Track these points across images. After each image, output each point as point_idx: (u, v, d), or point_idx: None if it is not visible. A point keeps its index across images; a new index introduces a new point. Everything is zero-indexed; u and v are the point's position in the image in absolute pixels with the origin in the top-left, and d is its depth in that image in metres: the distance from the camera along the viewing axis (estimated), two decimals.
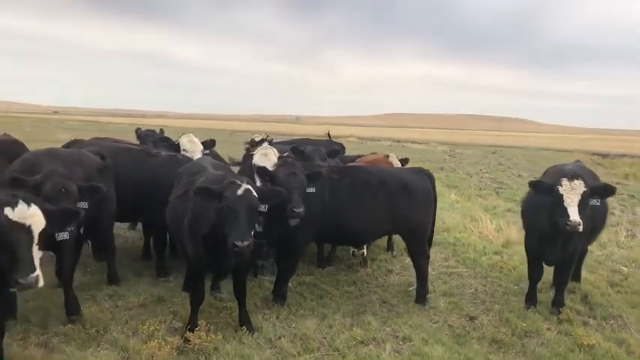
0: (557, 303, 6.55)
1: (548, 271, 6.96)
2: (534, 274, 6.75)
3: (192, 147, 8.07)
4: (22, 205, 3.82)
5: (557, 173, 6.25)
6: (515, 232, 10.10)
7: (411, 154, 10.08)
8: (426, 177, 7.08)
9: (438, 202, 7.22)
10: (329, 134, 13.59)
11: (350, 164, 8.82)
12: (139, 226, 9.30)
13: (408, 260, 8.47)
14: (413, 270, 7.21)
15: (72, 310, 5.58)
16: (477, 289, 7.42)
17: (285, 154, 7.39)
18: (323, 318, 6.03)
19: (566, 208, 5.68)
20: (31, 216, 3.84)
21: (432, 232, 7.29)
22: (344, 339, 5.47)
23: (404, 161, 9.31)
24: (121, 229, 9.17)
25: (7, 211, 3.77)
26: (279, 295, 6.46)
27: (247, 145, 8.94)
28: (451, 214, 12.34)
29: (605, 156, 42.30)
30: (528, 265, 6.85)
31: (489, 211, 13.35)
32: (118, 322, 5.62)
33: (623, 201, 16.14)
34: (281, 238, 6.26)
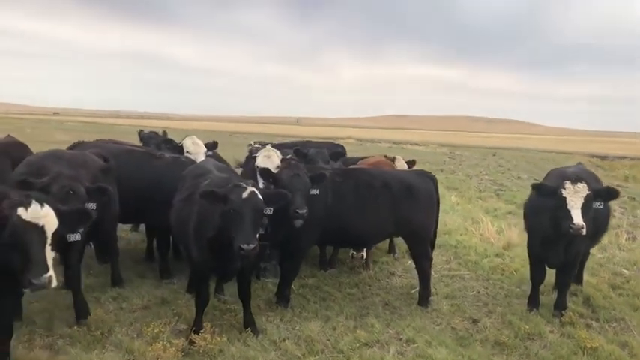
0: (560, 305, 6.57)
1: (550, 274, 6.99)
2: (537, 277, 6.77)
3: (196, 149, 8.10)
4: (35, 206, 3.83)
5: (560, 176, 6.28)
6: (517, 234, 10.14)
7: (411, 156, 10.09)
8: (428, 179, 7.11)
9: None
10: None
11: (352, 166, 8.84)
12: (142, 227, 9.34)
13: (410, 262, 8.50)
14: (415, 272, 7.23)
15: (81, 314, 5.60)
16: (478, 292, 7.45)
17: (287, 157, 7.43)
18: (326, 320, 6.05)
19: (569, 211, 5.71)
20: (45, 216, 3.85)
21: (435, 234, 7.32)
22: (348, 341, 5.49)
23: (411, 163, 9.34)
24: (123, 230, 9.17)
25: (21, 211, 3.77)
26: (282, 297, 6.48)
27: (250, 148, 8.97)
28: (452, 216, 12.38)
29: (604, 158, 42.39)
30: (530, 268, 6.88)
31: (490, 214, 13.40)
32: (122, 324, 5.63)
33: (623, 203, 16.18)
34: (284, 240, 6.28)
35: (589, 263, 8.24)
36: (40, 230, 3.81)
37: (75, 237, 4.56)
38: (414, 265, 7.14)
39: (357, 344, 5.45)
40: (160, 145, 9.09)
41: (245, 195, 4.78)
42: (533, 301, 6.76)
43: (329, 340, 5.54)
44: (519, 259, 8.73)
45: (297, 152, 8.06)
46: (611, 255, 9.70)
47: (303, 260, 6.89)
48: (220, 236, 4.93)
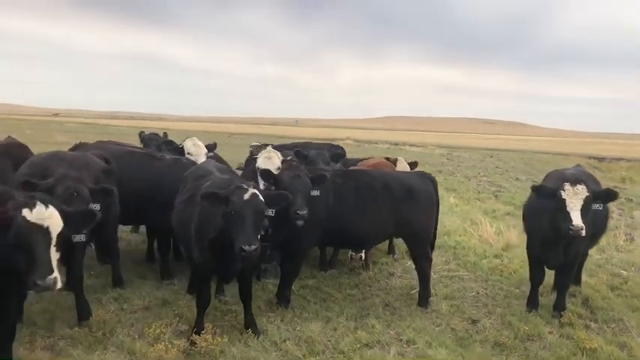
0: (559, 306, 6.60)
1: (549, 275, 7.03)
2: (536, 278, 6.80)
3: (197, 150, 8.12)
4: (40, 207, 3.81)
5: (560, 178, 6.31)
6: (515, 235, 10.17)
7: (409, 157, 10.13)
8: (428, 181, 7.13)
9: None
10: None
11: (352, 168, 8.87)
12: (142, 229, 9.35)
13: (410, 263, 8.53)
14: (414, 273, 7.25)
15: (83, 315, 5.62)
16: (478, 293, 7.47)
17: (288, 158, 7.45)
18: (327, 321, 6.07)
19: (568, 213, 5.74)
20: (49, 217, 3.83)
21: (435, 235, 7.35)
22: (349, 342, 5.51)
23: (413, 164, 9.37)
24: (123, 231, 9.17)
25: (25, 212, 3.76)
26: (283, 298, 6.50)
27: (251, 149, 8.99)
28: (451, 217, 12.41)
29: (601, 159, 42.48)
30: (530, 269, 6.91)
31: (489, 215, 13.43)
32: (123, 325, 5.65)
33: (620, 205, 16.24)
34: (285, 241, 6.30)
35: (587, 264, 8.27)
36: (45, 231, 3.79)
37: (80, 238, 4.55)
38: (414, 266, 7.16)
39: (358, 345, 5.48)
40: (160, 146, 9.11)
41: (247, 196, 4.79)
42: (533, 302, 6.79)
43: (330, 341, 5.56)
44: (518, 260, 8.77)
45: (298, 153, 8.08)
46: (609, 256, 9.75)
47: (303, 261, 6.90)
48: (222, 237, 4.95)
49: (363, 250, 8.24)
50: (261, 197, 4.90)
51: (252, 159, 8.19)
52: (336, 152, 9.05)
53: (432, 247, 7.30)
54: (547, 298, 7.16)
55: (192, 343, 5.15)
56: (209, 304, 5.56)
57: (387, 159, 9.60)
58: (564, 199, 5.79)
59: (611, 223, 11.01)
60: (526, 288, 7.26)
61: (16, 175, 5.75)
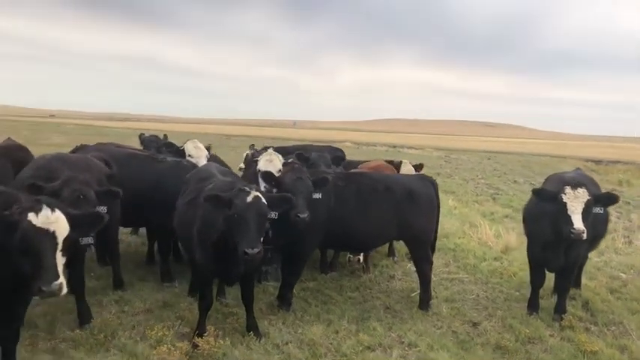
0: (560, 310, 6.62)
1: (549, 278, 7.04)
2: (536, 281, 6.82)
3: (198, 152, 8.11)
4: (46, 211, 3.74)
5: (561, 181, 6.33)
6: (514, 238, 10.21)
7: (408, 160, 10.14)
8: (429, 184, 7.14)
9: None
10: None
11: (353, 170, 8.87)
12: (142, 231, 9.34)
13: (410, 266, 8.55)
14: (415, 275, 7.26)
15: (84, 318, 5.62)
16: (478, 295, 7.49)
17: (289, 160, 7.46)
18: (329, 324, 6.08)
19: (570, 216, 5.76)
20: (55, 221, 3.76)
21: (435, 238, 7.36)
22: (351, 345, 5.52)
23: (418, 167, 9.35)
24: (123, 233, 9.16)
25: (31, 216, 3.69)
26: (284, 300, 6.50)
27: (252, 151, 8.99)
28: (450, 219, 12.42)
29: (598, 162, 42.52)
30: (530, 272, 6.93)
31: (487, 217, 13.46)
32: (125, 327, 5.64)
33: (619, 207, 16.24)
34: (286, 243, 6.31)
35: (587, 267, 8.30)
36: (51, 236, 3.71)
37: (87, 240, 4.52)
38: (415, 269, 7.17)
39: (360, 348, 5.49)
40: (160, 148, 9.11)
41: (250, 199, 4.80)
42: (533, 305, 6.80)
43: (332, 343, 5.57)
44: (518, 263, 8.80)
45: (300, 156, 8.09)
46: (608, 259, 9.78)
47: (305, 264, 6.91)
48: (224, 240, 4.95)
49: (361, 253, 8.25)
50: (264, 200, 4.90)
51: (252, 161, 8.19)
52: (336, 155, 9.06)
53: (433, 250, 7.31)
54: (547, 300, 7.18)
55: (195, 346, 5.14)
56: (211, 307, 5.55)
57: (391, 162, 9.58)
58: (565, 203, 5.81)
59: (609, 226, 11.06)
60: (526, 291, 7.29)
61: (19, 177, 5.73)
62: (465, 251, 9.68)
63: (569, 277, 6.70)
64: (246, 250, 4.62)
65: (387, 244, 9.11)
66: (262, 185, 6.44)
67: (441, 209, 7.48)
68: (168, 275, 7.21)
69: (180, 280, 7.19)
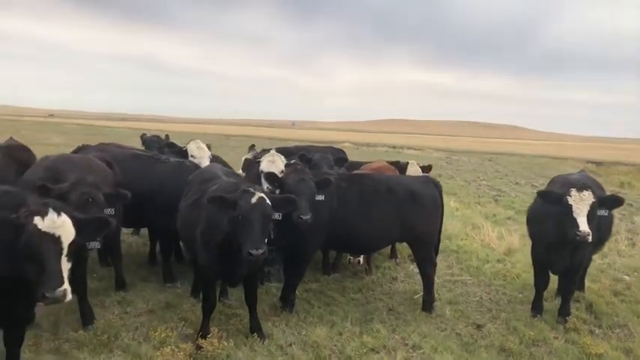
0: (564, 312, 6.59)
1: (553, 280, 7.02)
2: (540, 283, 6.80)
3: (200, 153, 8.07)
4: (52, 215, 3.66)
5: (565, 183, 6.32)
6: (517, 240, 10.20)
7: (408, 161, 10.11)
8: (432, 185, 7.12)
9: None
10: None
11: (356, 172, 8.84)
12: (143, 231, 9.32)
13: (412, 267, 8.54)
14: (417, 277, 7.23)
15: (87, 319, 5.61)
16: (481, 297, 7.47)
17: (292, 161, 7.44)
18: (332, 325, 6.05)
19: (575, 219, 5.74)
20: (61, 225, 3.68)
21: (439, 240, 7.34)
22: (355, 347, 5.50)
23: (426, 168, 9.27)
24: (124, 234, 9.15)
25: (37, 220, 3.61)
26: (287, 301, 6.48)
27: (253, 154, 8.96)
28: (452, 221, 12.38)
29: (599, 164, 42.47)
30: (535, 274, 6.90)
31: (489, 219, 13.41)
32: (128, 328, 5.62)
33: (621, 209, 16.13)
34: (289, 244, 6.29)
35: (590, 269, 8.27)
36: (57, 241, 3.63)
37: (95, 245, 4.43)
38: (417, 271, 7.15)
39: (364, 350, 5.46)
40: (162, 148, 9.08)
41: (254, 200, 4.78)
42: (537, 307, 6.78)
43: (335, 345, 5.54)
44: (521, 265, 8.78)
45: (302, 157, 8.06)
46: (611, 261, 9.76)
47: (307, 265, 6.88)
48: (228, 241, 4.93)
49: (362, 255, 8.22)
50: (268, 201, 4.89)
51: (254, 162, 8.17)
52: (339, 156, 9.04)
53: (436, 252, 7.28)
54: (551, 303, 7.15)
55: (199, 347, 5.13)
56: (215, 308, 5.53)
57: (397, 162, 9.52)
58: (571, 205, 5.79)
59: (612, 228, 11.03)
60: (529, 293, 7.27)
61: (26, 177, 5.71)
62: (467, 253, 9.66)
63: (574, 280, 6.68)
64: (251, 251, 4.61)
65: (390, 246, 9.09)
66: (265, 186, 6.42)
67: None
68: (171, 276, 7.19)
69: (182, 281, 7.18)
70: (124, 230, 9.02)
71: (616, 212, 15.00)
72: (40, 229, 3.60)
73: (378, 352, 5.47)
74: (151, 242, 8.09)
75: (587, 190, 5.83)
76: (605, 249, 10.06)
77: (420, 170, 9.08)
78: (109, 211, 5.07)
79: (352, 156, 10.52)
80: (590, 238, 5.69)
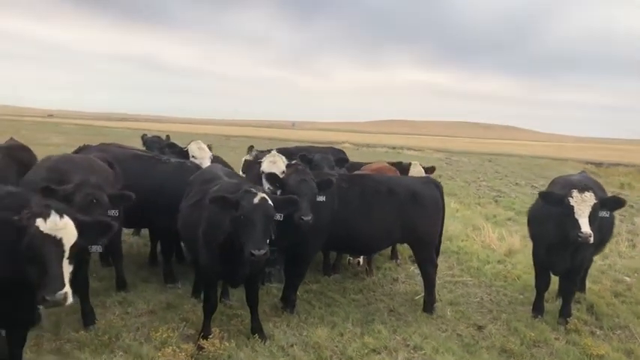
0: (565, 313, 6.59)
1: (553, 281, 7.02)
2: (541, 284, 6.80)
3: (202, 154, 8.06)
4: (54, 217, 3.62)
5: (567, 184, 6.32)
6: (518, 240, 10.20)
7: (408, 162, 10.08)
8: (434, 186, 7.12)
9: None
10: None
11: (357, 172, 8.83)
12: (143, 231, 9.31)
13: (413, 268, 8.54)
14: (418, 278, 7.22)
15: (88, 320, 5.60)
16: (482, 298, 7.47)
17: (293, 162, 7.44)
18: (333, 326, 6.05)
19: (577, 220, 5.74)
20: (63, 228, 3.63)
21: (440, 241, 7.34)
22: (356, 347, 5.49)
23: (430, 169, 9.22)
24: (125, 234, 9.13)
25: (39, 222, 3.57)
26: (288, 302, 6.48)
27: (252, 156, 8.95)
28: (453, 222, 12.37)
29: (599, 165, 42.47)
30: (535, 275, 6.90)
31: (490, 220, 13.41)
32: (129, 328, 5.62)
33: (622, 210, 16.19)
34: (290, 245, 6.29)
35: (590, 270, 8.28)
36: (58, 243, 3.59)
37: (97, 248, 4.40)
38: (418, 272, 7.14)
39: (365, 351, 5.46)
40: (163, 149, 9.07)
41: (257, 200, 4.78)
42: (538, 308, 6.78)
43: (337, 346, 5.54)
44: (521, 266, 8.79)
45: (303, 157, 8.06)
46: (612, 262, 9.77)
47: (308, 266, 6.88)
48: (230, 242, 4.93)
49: (361, 256, 8.21)
50: (270, 202, 4.89)
51: (255, 163, 8.16)
52: (340, 157, 9.03)
53: (437, 253, 7.27)
54: (552, 304, 7.16)
55: (200, 348, 5.13)
56: (216, 309, 5.53)
57: (400, 163, 9.50)
58: (572, 206, 5.79)
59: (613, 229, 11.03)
60: (530, 294, 7.27)
61: (29, 178, 5.70)
62: (468, 254, 9.66)
63: (575, 281, 6.68)
64: (253, 252, 4.60)
65: (390, 247, 9.08)
66: (266, 187, 6.42)
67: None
68: (171, 276, 7.18)
69: (183, 282, 7.17)
70: (125, 231, 9.02)
71: (616, 213, 15.03)
72: (41, 231, 3.56)
73: (379, 353, 5.47)
74: (151, 243, 8.09)
75: (588, 192, 5.83)
76: (606, 250, 10.06)
77: (423, 171, 9.03)
78: (113, 212, 5.06)
79: (352, 157, 10.53)
80: (591, 240, 5.69)
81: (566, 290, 6.72)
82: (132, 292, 6.70)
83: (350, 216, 6.46)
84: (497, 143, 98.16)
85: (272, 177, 6.38)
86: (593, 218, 5.79)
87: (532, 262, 6.98)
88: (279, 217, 5.12)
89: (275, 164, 7.03)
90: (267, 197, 4.89)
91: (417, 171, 8.98)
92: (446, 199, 7.34)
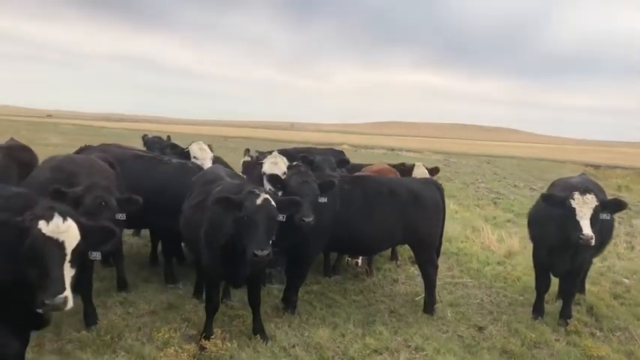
0: (565, 314, 6.61)
1: (554, 282, 7.04)
2: (542, 286, 6.81)
3: (203, 154, 8.07)
4: (57, 219, 3.56)
5: (568, 187, 6.34)
6: (517, 242, 10.23)
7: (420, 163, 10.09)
8: (434, 187, 7.14)
9: None
10: None
11: (358, 174, 8.84)
12: (144, 232, 9.31)
13: (413, 269, 8.55)
14: (418, 279, 7.23)
15: (90, 320, 5.60)
16: (482, 300, 7.49)
17: (294, 163, 7.46)
18: (334, 327, 6.06)
19: (578, 222, 5.75)
20: (66, 231, 3.58)
21: (440, 242, 7.36)
22: (358, 348, 5.51)
23: (434, 171, 9.21)
24: (125, 234, 9.13)
25: (42, 224, 3.52)
26: (289, 303, 6.49)
27: (251, 157, 8.96)
28: (452, 224, 12.38)
29: (597, 167, 42.57)
30: (536, 277, 6.92)
31: (489, 222, 13.45)
32: (131, 329, 5.62)
33: (620, 213, 16.27)
34: (291, 246, 6.29)
35: (590, 272, 8.30)
36: (60, 246, 3.53)
37: (96, 256, 4.30)
38: (418, 273, 7.15)
39: (367, 351, 5.48)
40: (164, 149, 9.08)
41: (260, 201, 4.80)
42: (538, 310, 6.80)
43: (339, 347, 5.55)
44: (521, 268, 8.81)
45: (304, 159, 8.08)
46: (611, 264, 9.78)
47: (310, 267, 6.89)
48: (232, 242, 4.94)
49: (360, 257, 8.22)
50: (273, 203, 4.90)
51: (256, 164, 8.18)
52: (341, 158, 9.05)
53: (438, 254, 7.29)
54: (552, 305, 7.17)
55: (202, 348, 5.14)
56: (218, 309, 5.55)
57: (403, 164, 9.51)
58: (574, 208, 5.81)
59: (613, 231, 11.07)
60: (530, 295, 7.29)
61: (33, 179, 5.70)
62: (468, 255, 9.68)
63: (575, 282, 6.71)
64: (256, 252, 4.62)
65: (390, 248, 9.09)
66: (267, 188, 6.43)
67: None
68: (172, 277, 7.19)
69: (183, 282, 7.17)
70: (126, 231, 9.02)
71: (615, 215, 15.08)
72: (43, 234, 3.52)
73: (381, 354, 5.49)
74: (152, 243, 8.10)
75: (590, 194, 5.85)
76: (605, 252, 10.11)
77: (427, 172, 9.01)
78: (121, 216, 5.07)
79: (351, 158, 10.55)
80: (593, 242, 5.71)
81: (567, 292, 6.75)
82: (133, 293, 6.70)
83: (352, 217, 6.48)
84: (495, 145, 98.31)
85: (274, 178, 6.39)
86: (594, 220, 5.81)
87: (532, 264, 7.00)
88: (282, 218, 5.14)
89: (276, 165, 7.06)
90: (270, 198, 4.91)
91: (420, 172, 8.97)
92: (445, 200, 7.37)
